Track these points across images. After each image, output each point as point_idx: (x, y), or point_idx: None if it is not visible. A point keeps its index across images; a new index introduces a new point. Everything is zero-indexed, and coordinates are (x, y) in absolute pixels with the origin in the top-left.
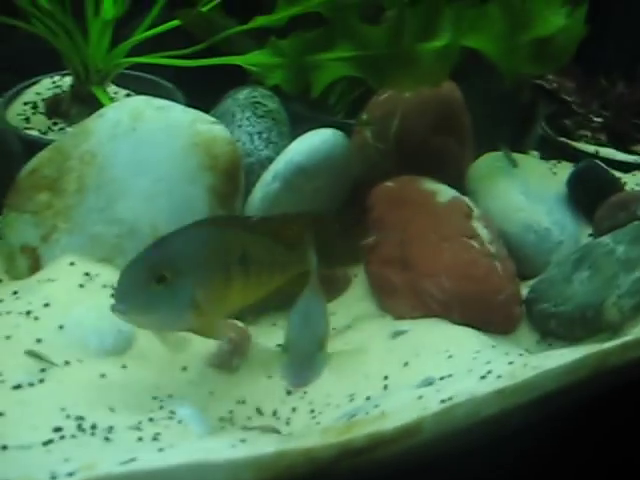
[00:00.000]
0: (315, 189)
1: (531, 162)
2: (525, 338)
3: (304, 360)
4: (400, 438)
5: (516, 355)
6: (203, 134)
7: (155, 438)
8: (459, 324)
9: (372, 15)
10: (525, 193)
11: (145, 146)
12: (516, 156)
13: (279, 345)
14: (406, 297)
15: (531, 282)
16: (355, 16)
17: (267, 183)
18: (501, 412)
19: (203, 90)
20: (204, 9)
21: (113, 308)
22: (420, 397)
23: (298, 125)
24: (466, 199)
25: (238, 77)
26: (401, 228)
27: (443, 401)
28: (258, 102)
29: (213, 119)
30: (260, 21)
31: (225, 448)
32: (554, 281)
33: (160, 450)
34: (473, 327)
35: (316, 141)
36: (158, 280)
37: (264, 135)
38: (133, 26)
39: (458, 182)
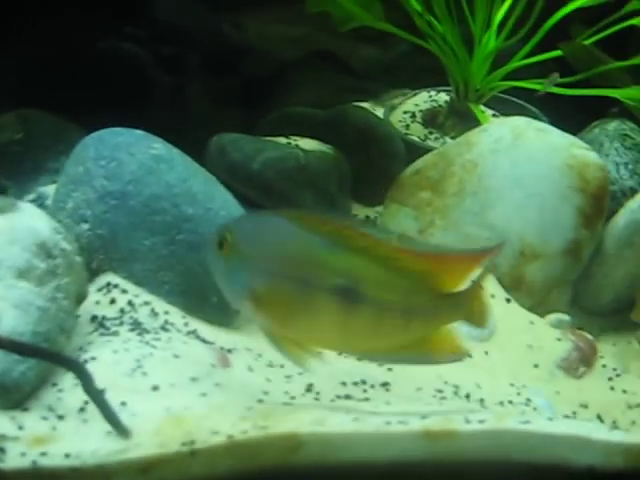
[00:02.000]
0: None
1: None
2: None
3: None
4: None
5: None
6: (578, 158)
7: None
8: None
9: None
10: None
11: (523, 162)
12: None
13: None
14: None
15: None
16: None
17: (633, 211)
18: None
19: (563, 118)
20: (586, 42)
21: None
22: None
23: None
24: None
25: (597, 110)
26: None
27: None
28: (627, 135)
29: (587, 145)
30: None
31: (603, 429)
32: None
33: (550, 419)
34: None
35: None
36: (220, 243)
37: (630, 166)
38: (513, 51)
39: None
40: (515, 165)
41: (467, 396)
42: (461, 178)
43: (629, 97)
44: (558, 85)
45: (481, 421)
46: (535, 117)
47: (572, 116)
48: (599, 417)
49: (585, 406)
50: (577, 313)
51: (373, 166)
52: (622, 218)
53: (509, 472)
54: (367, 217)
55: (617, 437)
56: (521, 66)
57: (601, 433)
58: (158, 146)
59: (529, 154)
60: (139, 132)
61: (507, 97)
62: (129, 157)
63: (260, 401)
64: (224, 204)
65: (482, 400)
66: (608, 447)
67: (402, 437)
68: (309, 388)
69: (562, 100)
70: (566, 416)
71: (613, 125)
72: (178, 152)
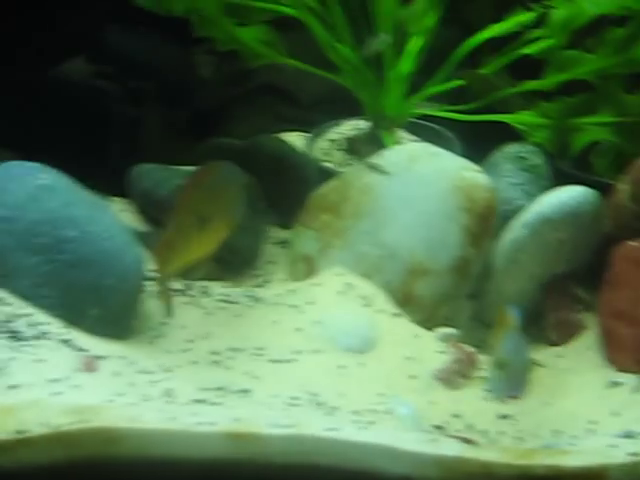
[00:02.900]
0: (559, 240)
1: None
2: None
3: (518, 377)
4: (579, 478)
5: None
6: (466, 180)
7: (371, 423)
8: None
9: (631, 84)
10: None
11: (415, 184)
12: None
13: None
14: (631, 351)
15: None
16: (618, 85)
17: (516, 229)
18: None
19: (481, 142)
20: (485, 70)
21: None
22: (613, 446)
23: (562, 182)
24: None
25: (514, 133)
26: (636, 286)
27: (632, 454)
28: (523, 157)
29: (478, 168)
30: (530, 85)
31: (413, 442)
32: None
33: (359, 428)
34: None
35: (564, 196)
36: None
37: (524, 187)
38: (426, 80)
39: None
40: (407, 187)
41: (321, 404)
42: (358, 200)
43: (518, 121)
44: (460, 112)
45: (287, 426)
46: (449, 143)
47: (487, 142)
48: (469, 426)
49: (457, 416)
50: (478, 327)
51: (286, 192)
52: (507, 236)
53: (316, 477)
54: (283, 240)
55: (427, 449)
56: (435, 93)
57: (410, 444)
58: (45, 176)
59: (421, 177)
60: (32, 164)
61: (427, 123)
62: (17, 186)
63: (110, 401)
64: (107, 227)
65: (335, 408)
66: (419, 458)
67: (209, 437)
68: (168, 393)
69: (478, 126)
70: (436, 426)
71: (513, 148)
72: (65, 181)
